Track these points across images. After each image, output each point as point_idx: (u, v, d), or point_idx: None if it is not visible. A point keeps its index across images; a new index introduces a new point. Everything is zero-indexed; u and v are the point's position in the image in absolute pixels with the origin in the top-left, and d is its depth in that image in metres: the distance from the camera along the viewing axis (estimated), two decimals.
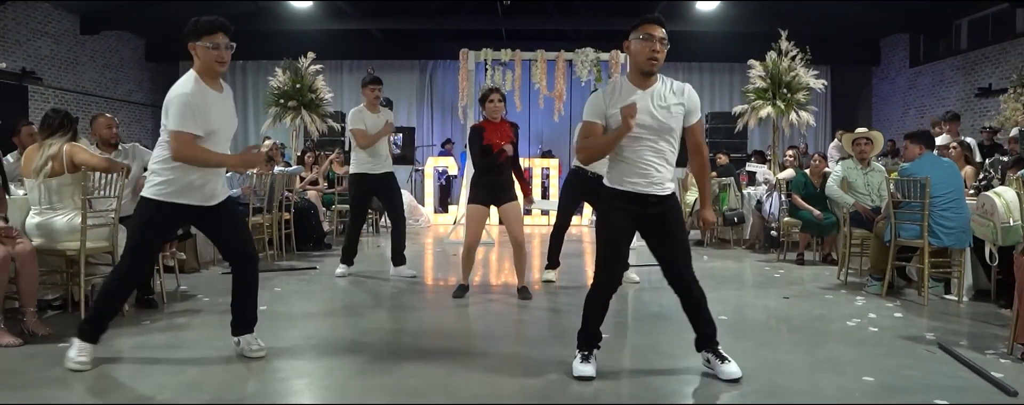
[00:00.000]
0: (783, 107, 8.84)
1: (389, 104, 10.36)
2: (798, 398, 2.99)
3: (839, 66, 15.64)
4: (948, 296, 5.07)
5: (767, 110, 8.87)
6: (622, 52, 8.42)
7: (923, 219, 4.84)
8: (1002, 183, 5.50)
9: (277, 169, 7.40)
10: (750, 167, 9.96)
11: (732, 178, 8.84)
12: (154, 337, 3.79)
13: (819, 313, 4.69)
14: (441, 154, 13.21)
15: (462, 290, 5.08)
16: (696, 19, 12.82)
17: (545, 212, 11.03)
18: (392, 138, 7.17)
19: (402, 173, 11.22)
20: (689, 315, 3.25)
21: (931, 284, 5.00)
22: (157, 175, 3.21)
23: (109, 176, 4.21)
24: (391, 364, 3.41)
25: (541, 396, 3.01)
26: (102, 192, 4.19)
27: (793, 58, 8.89)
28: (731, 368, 3.15)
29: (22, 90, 11.56)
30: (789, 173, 7.81)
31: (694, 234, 8.78)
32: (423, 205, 11.41)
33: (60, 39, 12.51)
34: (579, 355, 3.21)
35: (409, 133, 13.27)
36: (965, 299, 4.95)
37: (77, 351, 3.22)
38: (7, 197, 4.05)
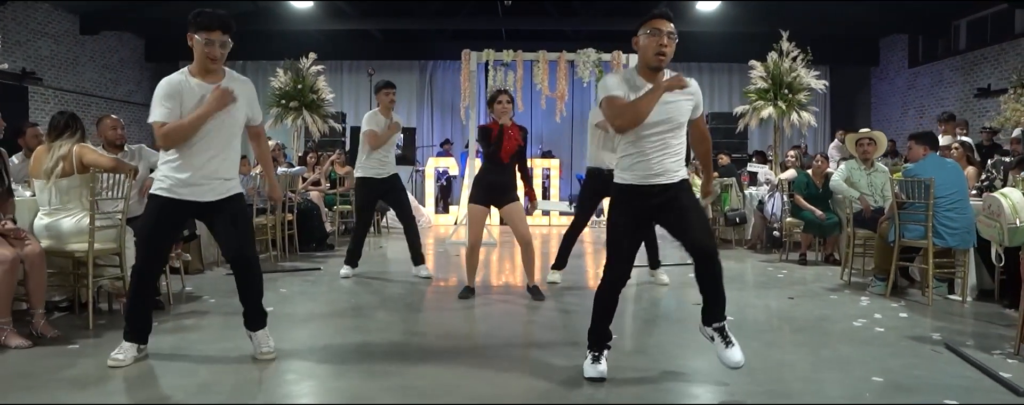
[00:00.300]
0: (784, 108, 8.87)
1: None
2: (807, 398, 3.00)
3: (838, 66, 15.66)
4: (952, 296, 5.09)
5: (768, 110, 8.90)
6: (623, 52, 8.61)
7: (927, 220, 4.87)
8: (1004, 184, 5.53)
9: (280, 170, 7.40)
10: (751, 167, 9.98)
11: (734, 178, 8.85)
12: (162, 339, 3.79)
13: (824, 313, 4.71)
14: (440, 154, 13.20)
15: (468, 291, 5.08)
16: (696, 19, 12.83)
17: (546, 212, 11.04)
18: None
19: (402, 174, 11.17)
20: (702, 286, 3.14)
21: (935, 284, 5.02)
22: (159, 171, 3.34)
23: (116, 177, 4.21)
24: (401, 365, 3.42)
25: (552, 397, 3.01)
26: (109, 193, 4.19)
27: (794, 59, 8.91)
28: (735, 354, 3.06)
29: (22, 90, 11.53)
30: (791, 173, 7.83)
31: None
32: (424, 206, 11.41)
33: (60, 39, 12.48)
34: (590, 356, 3.22)
35: (409, 133, 13.24)
36: (969, 299, 4.98)
37: (117, 350, 3.32)
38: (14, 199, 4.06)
